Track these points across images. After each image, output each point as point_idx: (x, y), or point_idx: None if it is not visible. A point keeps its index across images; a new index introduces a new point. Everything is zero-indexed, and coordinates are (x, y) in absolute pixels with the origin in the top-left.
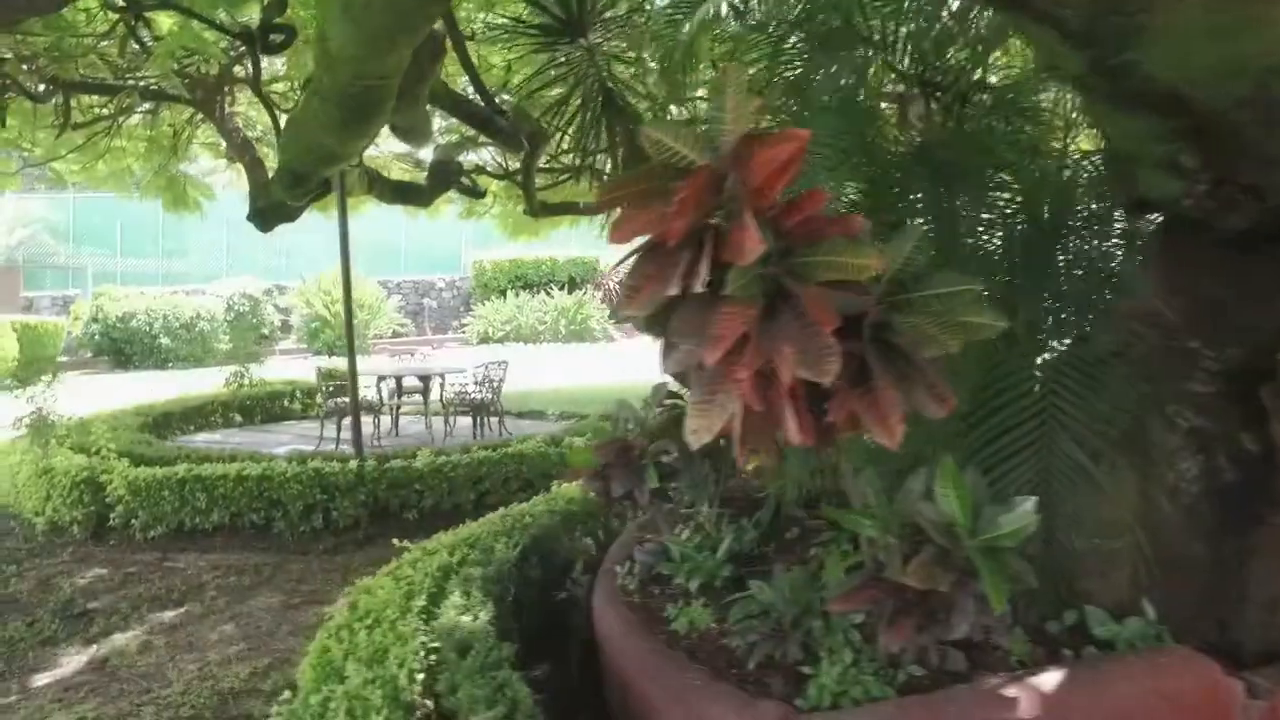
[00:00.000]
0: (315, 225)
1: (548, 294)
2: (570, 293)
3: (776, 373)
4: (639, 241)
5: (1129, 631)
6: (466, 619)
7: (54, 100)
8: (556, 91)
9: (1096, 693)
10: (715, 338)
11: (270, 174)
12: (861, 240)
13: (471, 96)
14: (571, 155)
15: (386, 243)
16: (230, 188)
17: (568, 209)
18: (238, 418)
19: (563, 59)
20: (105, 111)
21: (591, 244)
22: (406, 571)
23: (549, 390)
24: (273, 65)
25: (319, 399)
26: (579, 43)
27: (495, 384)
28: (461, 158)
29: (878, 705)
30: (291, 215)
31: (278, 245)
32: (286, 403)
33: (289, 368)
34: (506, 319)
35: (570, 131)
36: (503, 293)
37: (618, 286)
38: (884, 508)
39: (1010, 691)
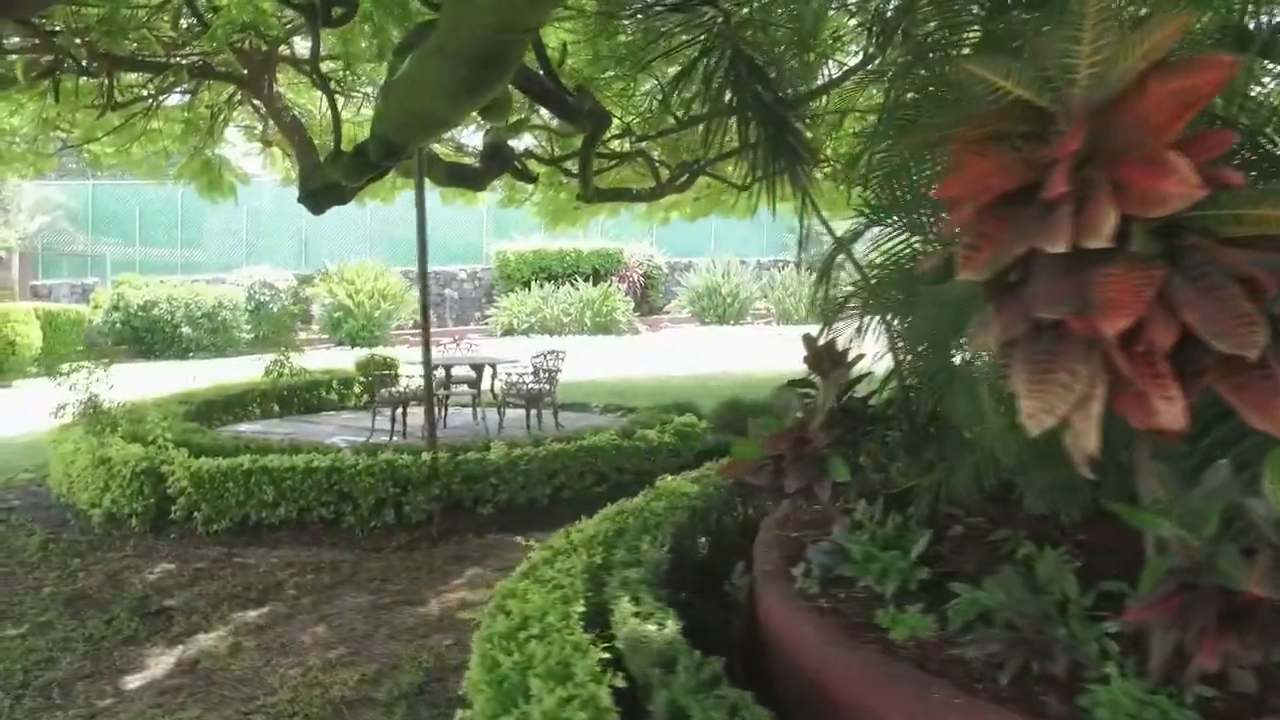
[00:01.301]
0: (331, 215)
1: (573, 286)
2: (595, 284)
3: (1149, 344)
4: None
5: None
6: (651, 628)
7: (99, 79)
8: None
9: None
10: (1112, 304)
11: (321, 155)
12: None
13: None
14: (626, 140)
15: (407, 233)
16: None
17: (620, 194)
18: (276, 408)
19: (688, 26)
20: (145, 91)
21: (615, 235)
22: (548, 574)
23: (586, 382)
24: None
25: (357, 389)
26: (712, 6)
27: (552, 375)
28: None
29: None
30: (345, 197)
31: (296, 235)
32: (324, 393)
33: (312, 358)
34: (531, 310)
35: (693, 104)
36: (526, 284)
37: (640, 279)
38: (1184, 505)
39: None
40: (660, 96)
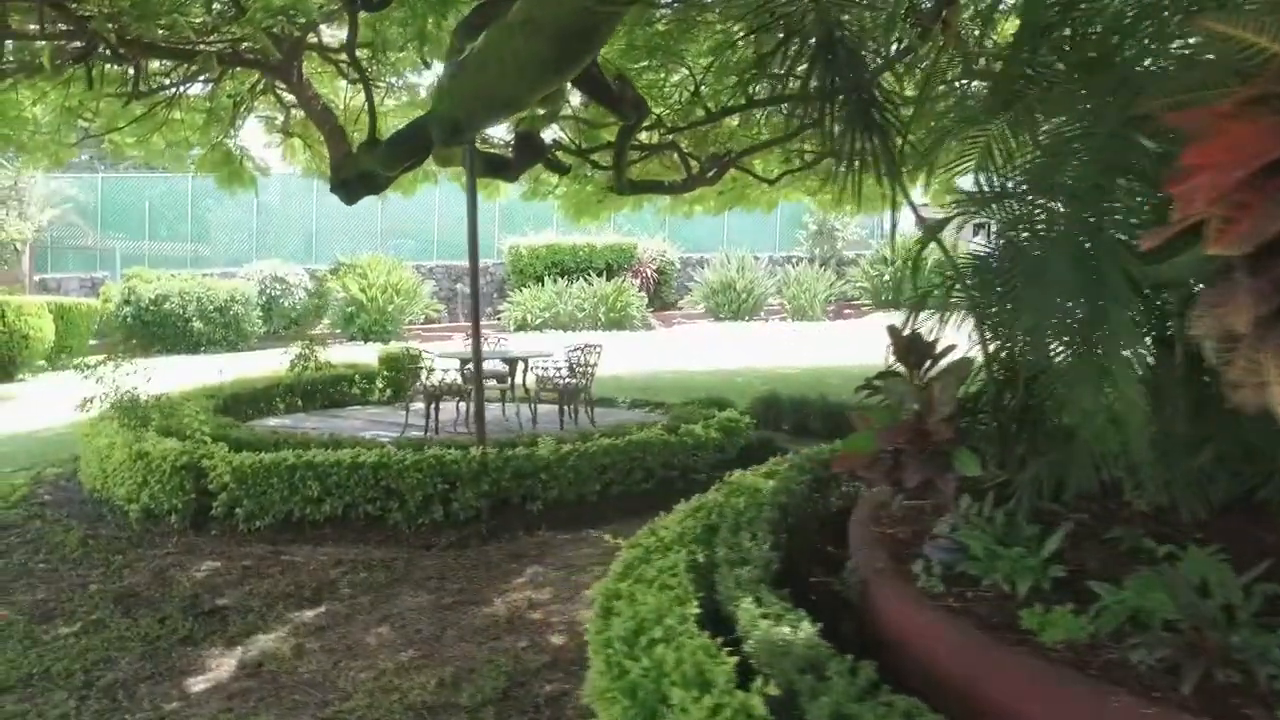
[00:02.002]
0: (339, 209)
1: (586, 281)
2: (609, 280)
3: None
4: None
5: None
6: (785, 630)
7: (126, 66)
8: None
9: None
10: None
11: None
12: None
13: None
14: (658, 132)
15: (416, 228)
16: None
17: (652, 187)
18: (298, 402)
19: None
20: (169, 80)
21: (628, 230)
22: (649, 573)
23: (607, 378)
24: (339, 36)
25: (380, 384)
26: None
27: (589, 370)
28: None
29: None
30: (379, 187)
31: (302, 230)
32: (345, 387)
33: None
34: (545, 305)
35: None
36: (539, 279)
37: (654, 274)
38: None
39: None
40: (693, 88)
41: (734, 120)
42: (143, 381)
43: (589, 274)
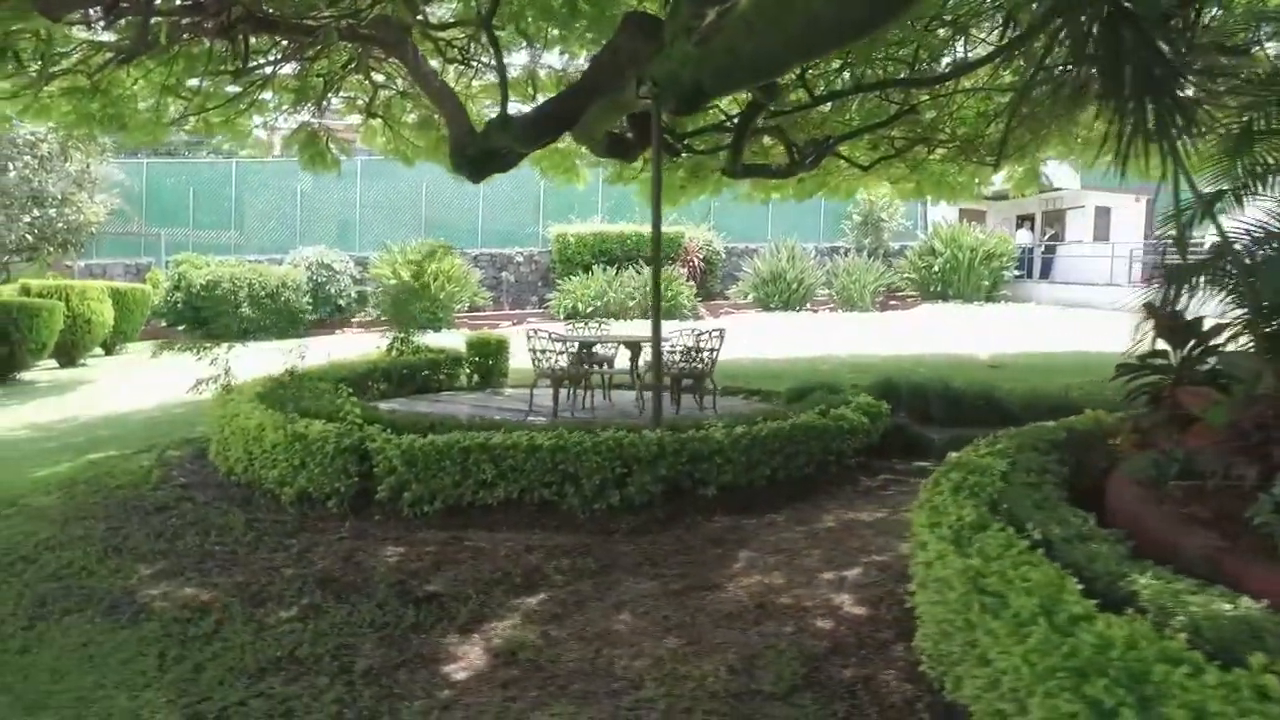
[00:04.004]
0: (379, 197)
1: (636, 270)
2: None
3: None
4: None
5: None
6: (1225, 605)
7: (236, 43)
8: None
9: None
10: None
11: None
12: None
13: None
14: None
15: (457, 216)
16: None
17: (760, 170)
18: (387, 388)
19: None
20: (265, 59)
21: (675, 220)
22: (990, 549)
23: None
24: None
25: (466, 369)
26: None
27: (711, 355)
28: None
29: None
30: (507, 164)
31: (345, 217)
32: (430, 373)
33: (367, 341)
34: (596, 294)
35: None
36: (586, 267)
37: (700, 263)
38: None
39: None
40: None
41: (826, 106)
42: (238, 364)
43: (636, 263)
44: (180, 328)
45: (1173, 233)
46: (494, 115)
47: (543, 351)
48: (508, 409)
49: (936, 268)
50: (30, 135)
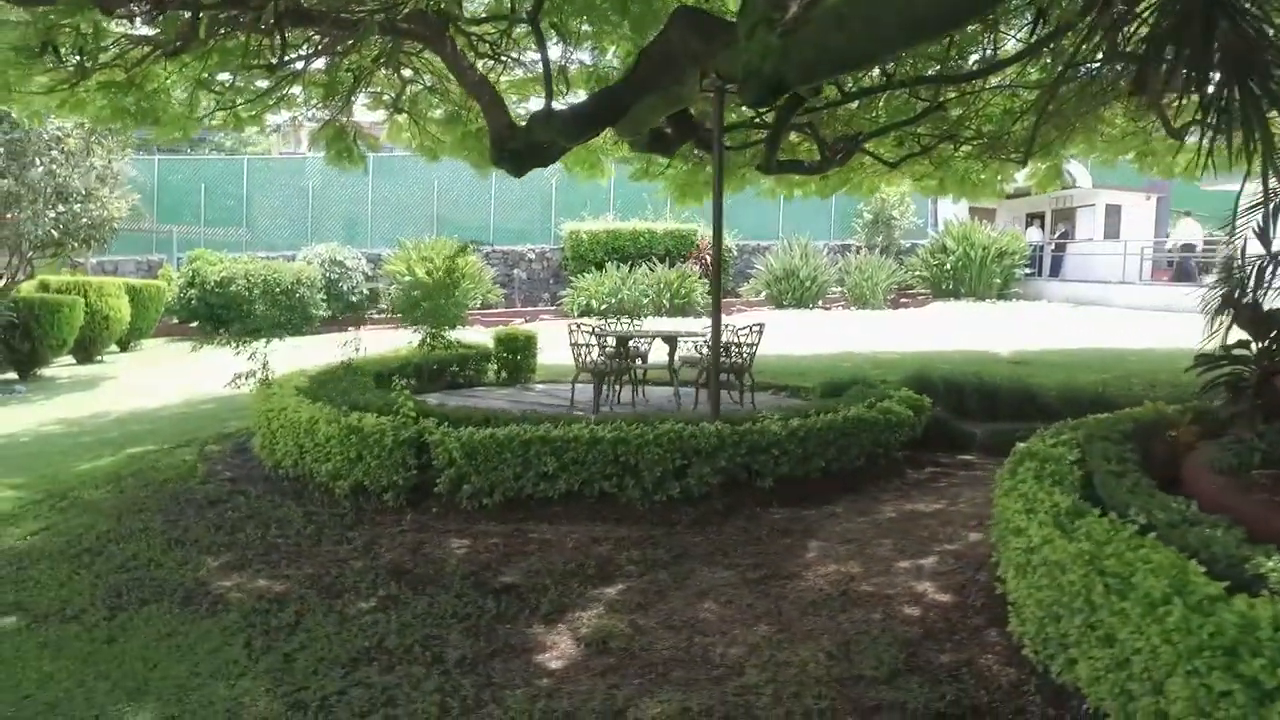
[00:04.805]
0: (390, 193)
1: (649, 267)
2: (671, 266)
3: None
4: None
5: None
6: None
7: (271, 37)
8: None
9: None
10: None
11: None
12: None
13: None
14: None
15: (467, 214)
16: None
17: (794, 166)
18: (416, 383)
19: None
20: (298, 53)
21: (687, 217)
22: (1098, 532)
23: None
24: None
25: (494, 365)
26: None
27: (750, 350)
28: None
29: None
30: (550, 158)
31: (355, 214)
32: (457, 368)
33: (383, 338)
34: (610, 291)
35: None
36: (599, 265)
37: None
38: None
39: None
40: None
41: (854, 103)
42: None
43: (650, 260)
44: (194, 324)
45: (1256, 226)
46: (524, 111)
47: (585, 345)
48: (544, 404)
49: (948, 265)
50: (56, 130)
